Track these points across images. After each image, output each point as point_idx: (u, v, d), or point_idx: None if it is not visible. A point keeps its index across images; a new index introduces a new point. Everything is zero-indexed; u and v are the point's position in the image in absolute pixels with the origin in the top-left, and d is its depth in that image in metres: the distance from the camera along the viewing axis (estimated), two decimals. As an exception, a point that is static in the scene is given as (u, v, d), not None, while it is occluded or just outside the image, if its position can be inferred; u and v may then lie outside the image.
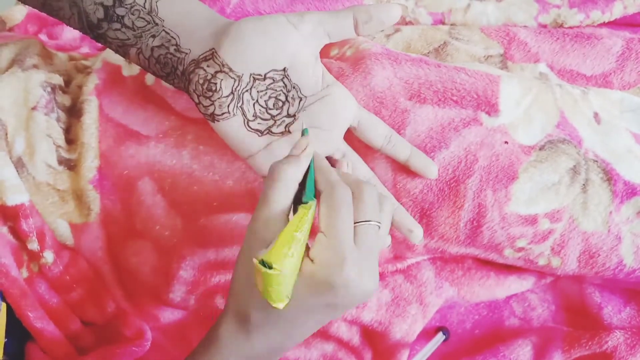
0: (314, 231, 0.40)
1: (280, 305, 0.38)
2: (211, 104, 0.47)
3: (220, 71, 0.46)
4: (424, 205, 0.52)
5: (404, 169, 0.52)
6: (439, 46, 0.59)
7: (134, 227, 0.54)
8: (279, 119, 0.48)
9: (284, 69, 0.47)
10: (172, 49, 0.48)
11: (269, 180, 0.41)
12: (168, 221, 0.54)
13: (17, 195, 0.52)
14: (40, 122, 0.53)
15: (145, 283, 0.56)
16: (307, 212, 0.39)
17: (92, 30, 0.49)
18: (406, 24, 0.64)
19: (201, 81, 0.47)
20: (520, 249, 0.53)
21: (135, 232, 0.54)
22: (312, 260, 0.39)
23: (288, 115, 0.48)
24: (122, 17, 0.47)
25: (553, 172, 0.52)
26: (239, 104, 0.47)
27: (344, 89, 0.49)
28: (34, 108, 0.53)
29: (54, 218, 0.54)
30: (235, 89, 0.47)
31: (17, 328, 0.52)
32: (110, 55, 0.58)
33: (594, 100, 0.54)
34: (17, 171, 0.52)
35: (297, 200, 0.41)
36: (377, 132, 0.50)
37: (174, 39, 0.47)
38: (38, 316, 0.52)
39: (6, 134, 0.53)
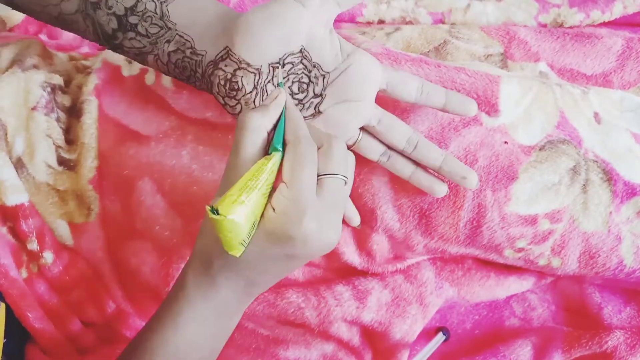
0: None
1: (236, 253, 0.38)
2: (237, 103, 0.47)
3: (239, 68, 0.46)
4: (423, 205, 0.52)
5: None
6: (439, 45, 0.59)
7: (133, 227, 0.54)
8: (306, 102, 0.47)
9: (301, 50, 0.46)
10: (188, 52, 0.47)
11: (237, 128, 0.40)
12: (168, 221, 0.54)
13: (16, 196, 0.52)
14: (40, 122, 0.53)
15: (145, 283, 0.56)
16: (266, 162, 0.38)
17: (108, 41, 0.49)
18: (406, 23, 0.64)
19: (222, 82, 0.46)
20: (520, 250, 0.53)
21: (135, 232, 0.54)
22: (273, 209, 0.38)
23: (315, 96, 0.47)
24: (136, 25, 0.47)
25: (553, 173, 0.52)
26: (265, 97, 0.46)
27: (366, 54, 0.48)
28: (34, 108, 0.53)
29: (53, 218, 0.54)
30: (258, 82, 0.46)
31: (16, 328, 0.52)
32: (110, 55, 0.58)
33: (594, 100, 0.54)
34: (17, 171, 0.52)
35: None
36: (409, 87, 0.48)
37: (189, 42, 0.47)
38: (37, 316, 0.52)
39: (6, 134, 0.53)
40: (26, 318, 0.52)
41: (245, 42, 0.45)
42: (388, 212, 0.52)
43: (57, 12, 0.49)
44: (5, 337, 0.50)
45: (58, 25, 0.50)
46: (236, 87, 0.46)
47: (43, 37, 0.71)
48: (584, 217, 0.52)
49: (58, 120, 0.55)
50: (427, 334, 0.60)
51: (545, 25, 0.62)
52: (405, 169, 0.50)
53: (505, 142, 0.52)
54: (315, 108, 0.47)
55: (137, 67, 0.57)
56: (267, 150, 0.41)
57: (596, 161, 0.52)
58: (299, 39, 0.45)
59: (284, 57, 0.46)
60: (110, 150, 0.54)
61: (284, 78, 0.46)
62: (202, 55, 0.47)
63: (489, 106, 0.52)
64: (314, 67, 0.46)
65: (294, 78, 0.46)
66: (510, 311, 0.61)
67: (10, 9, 0.53)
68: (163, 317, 0.43)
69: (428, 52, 0.60)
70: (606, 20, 0.62)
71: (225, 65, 0.46)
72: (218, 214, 0.35)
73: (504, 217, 0.52)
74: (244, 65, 0.46)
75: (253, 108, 0.41)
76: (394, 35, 0.59)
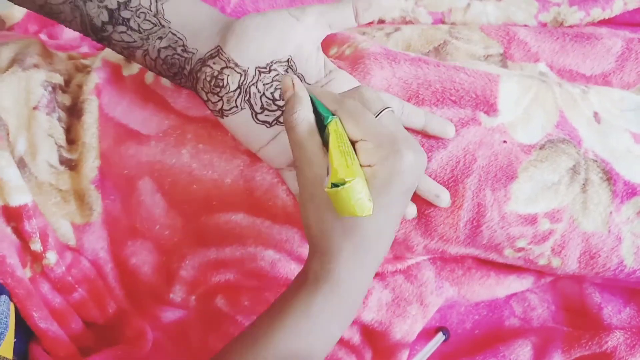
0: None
1: (369, 211, 0.38)
2: (219, 100, 0.48)
3: (227, 67, 0.47)
4: (422, 205, 0.52)
5: None
6: (439, 45, 0.59)
7: (134, 226, 0.54)
8: None
9: (288, 60, 0.48)
10: (179, 50, 0.48)
11: (289, 130, 0.42)
12: (168, 220, 0.54)
13: (20, 196, 0.51)
14: (42, 121, 0.53)
15: (146, 283, 0.56)
16: (337, 128, 0.40)
17: (96, 33, 0.49)
18: (406, 23, 0.63)
19: (208, 78, 0.48)
20: (520, 249, 0.53)
21: (136, 232, 0.55)
22: (369, 166, 0.39)
23: None
24: (128, 19, 0.48)
25: (553, 172, 0.51)
26: (246, 98, 0.48)
27: (346, 74, 0.50)
28: (35, 108, 0.53)
29: (56, 218, 0.54)
30: (242, 83, 0.47)
31: (22, 328, 0.52)
32: (110, 55, 0.58)
33: (594, 100, 0.54)
34: (20, 171, 0.52)
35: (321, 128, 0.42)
36: None
37: (181, 40, 0.48)
38: (42, 316, 0.52)
39: (8, 134, 0.53)
40: (31, 318, 0.52)
41: (238, 43, 0.47)
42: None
43: (42, 0, 0.49)
44: (15, 337, 0.51)
45: (40, 13, 0.51)
46: (221, 84, 0.47)
47: (43, 36, 0.71)
48: (584, 217, 0.52)
49: (59, 119, 0.54)
50: (427, 334, 0.60)
51: (545, 24, 0.62)
52: None
53: (504, 142, 0.51)
54: None
55: (136, 66, 0.57)
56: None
57: (596, 161, 0.52)
58: (288, 49, 0.48)
59: (271, 64, 0.47)
60: (111, 149, 0.54)
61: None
62: (193, 53, 0.48)
63: (488, 106, 0.52)
64: (298, 77, 0.48)
65: (278, 85, 0.48)
66: (510, 311, 0.61)
67: (9, 7, 0.53)
68: (293, 309, 0.44)
69: (428, 52, 0.59)
70: (606, 18, 0.61)
71: (214, 63, 0.47)
72: (336, 186, 0.37)
73: (504, 216, 0.52)
74: (231, 65, 0.47)
75: (291, 107, 0.42)
76: (393, 35, 0.59)
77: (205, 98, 0.49)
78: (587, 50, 0.59)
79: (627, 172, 0.52)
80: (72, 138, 0.55)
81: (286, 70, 0.48)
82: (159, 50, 0.49)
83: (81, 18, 0.48)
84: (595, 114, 0.53)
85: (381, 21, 0.64)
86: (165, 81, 0.55)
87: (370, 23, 0.64)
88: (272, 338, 0.44)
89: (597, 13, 0.61)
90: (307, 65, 0.48)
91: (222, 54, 0.47)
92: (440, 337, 0.59)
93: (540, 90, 0.53)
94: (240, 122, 0.49)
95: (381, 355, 0.58)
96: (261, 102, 0.48)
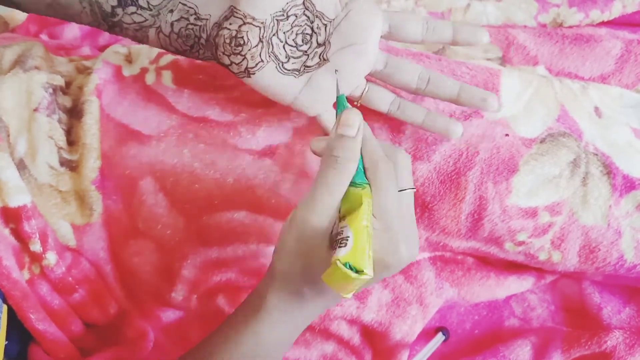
0: None
1: (350, 296, 0.38)
2: (243, 59, 0.47)
3: (244, 23, 0.47)
4: (425, 198, 0.52)
5: None
6: (438, 50, 0.60)
7: (136, 226, 0.54)
8: (310, 52, 0.48)
9: (304, 1, 0.47)
10: (192, 19, 0.48)
11: (328, 163, 0.40)
12: (170, 220, 0.54)
13: (19, 197, 0.51)
14: (42, 123, 0.53)
15: (147, 283, 0.56)
16: (370, 201, 0.39)
17: (106, 20, 0.49)
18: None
19: (227, 40, 0.47)
20: (521, 243, 0.54)
21: (138, 232, 0.55)
22: None
23: (319, 45, 0.48)
24: None
25: (554, 165, 0.52)
26: (270, 50, 0.47)
27: (364, 1, 0.48)
28: (35, 109, 0.53)
29: (56, 219, 0.54)
30: (263, 36, 0.47)
31: (19, 330, 0.52)
32: (111, 56, 0.58)
33: (594, 95, 0.54)
34: (19, 172, 0.52)
35: None
36: (413, 26, 0.49)
37: (192, 8, 0.48)
38: (40, 318, 0.52)
39: (8, 136, 0.53)
40: (29, 320, 0.51)
41: None
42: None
43: None
44: (7, 339, 0.50)
45: (49, 13, 0.50)
46: (242, 42, 0.47)
47: (44, 37, 0.71)
48: (584, 211, 0.52)
49: (59, 121, 0.55)
50: (426, 334, 0.60)
51: (545, 25, 0.62)
52: (416, 114, 0.50)
53: (506, 135, 0.52)
54: (320, 57, 0.48)
55: (137, 66, 0.57)
56: None
57: (596, 154, 0.52)
58: None
59: (287, 9, 0.47)
60: (112, 150, 0.54)
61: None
62: (207, 20, 0.48)
63: (490, 98, 0.52)
64: (317, 17, 0.47)
65: (297, 30, 0.47)
66: (509, 311, 0.62)
67: (12, 9, 0.53)
68: (242, 329, 0.44)
69: (427, 56, 0.60)
70: (605, 20, 0.62)
71: (230, 24, 0.47)
72: (350, 268, 0.35)
73: (505, 209, 0.52)
74: (249, 20, 0.46)
75: (345, 144, 0.40)
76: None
77: (228, 62, 0.48)
78: (586, 53, 0.59)
79: (626, 165, 0.52)
80: (72, 139, 0.55)
81: (304, 13, 0.47)
82: (172, 24, 0.48)
83: (90, 7, 0.48)
84: (596, 109, 0.54)
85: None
86: (166, 81, 0.55)
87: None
88: None
89: (596, 15, 0.61)
90: (322, 2, 0.47)
91: (236, 12, 0.46)
92: (440, 338, 0.59)
93: (541, 85, 0.54)
94: (268, 77, 0.48)
95: (381, 355, 0.58)
96: (285, 51, 0.48)
